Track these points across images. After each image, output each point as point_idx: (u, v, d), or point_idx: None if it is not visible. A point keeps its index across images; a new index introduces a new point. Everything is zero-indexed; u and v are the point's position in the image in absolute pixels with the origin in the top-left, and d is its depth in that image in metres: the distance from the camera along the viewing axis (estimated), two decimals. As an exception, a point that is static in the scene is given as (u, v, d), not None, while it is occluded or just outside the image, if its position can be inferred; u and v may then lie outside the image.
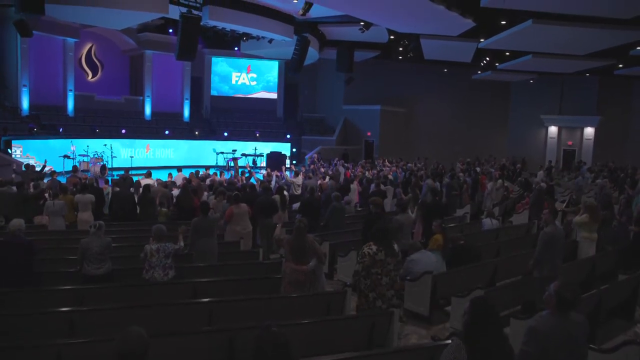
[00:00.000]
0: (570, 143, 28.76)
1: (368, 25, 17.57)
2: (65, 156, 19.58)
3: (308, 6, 15.40)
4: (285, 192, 12.29)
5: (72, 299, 5.63)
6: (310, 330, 4.94)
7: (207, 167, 17.65)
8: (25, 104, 21.80)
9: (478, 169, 19.18)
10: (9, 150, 18.45)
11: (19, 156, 18.59)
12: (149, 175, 13.51)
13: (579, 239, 8.80)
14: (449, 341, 4.51)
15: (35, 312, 4.94)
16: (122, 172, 15.34)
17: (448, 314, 6.76)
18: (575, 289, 3.54)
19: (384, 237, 5.48)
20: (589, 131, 27.85)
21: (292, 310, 5.71)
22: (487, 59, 22.39)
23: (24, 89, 21.70)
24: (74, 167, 15.77)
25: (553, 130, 29.17)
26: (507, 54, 21.17)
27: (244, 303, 5.65)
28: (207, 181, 13.67)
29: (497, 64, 23.63)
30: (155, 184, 12.51)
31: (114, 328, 4.79)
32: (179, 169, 15.81)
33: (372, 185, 14.03)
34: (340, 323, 5.26)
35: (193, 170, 15.43)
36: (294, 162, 24.44)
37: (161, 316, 5.23)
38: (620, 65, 21.53)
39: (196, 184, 12.42)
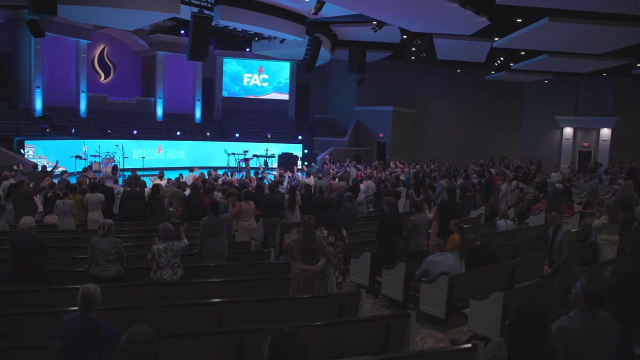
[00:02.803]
0: (585, 144, 28.32)
1: (381, 24, 17.41)
2: (77, 157, 19.64)
3: (320, 5, 15.24)
4: (297, 193, 12.17)
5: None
6: (323, 333, 4.76)
7: (215, 169, 17.56)
8: (38, 105, 21.88)
9: (493, 170, 18.89)
10: (22, 151, 18.53)
11: (32, 156, 18.66)
12: (161, 175, 13.42)
13: (599, 241, 8.54)
14: (469, 345, 4.33)
15: (38, 311, 4.82)
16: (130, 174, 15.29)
17: (465, 317, 6.54)
18: (601, 285, 3.47)
19: (333, 222, 6.46)
20: (605, 132, 27.39)
21: (303, 311, 5.54)
22: (501, 58, 22.08)
23: (37, 90, 21.79)
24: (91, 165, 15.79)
25: (568, 131, 28.76)
26: (522, 53, 20.88)
27: (254, 304, 5.49)
28: (219, 181, 13.63)
29: (511, 64, 23.33)
30: (166, 183, 12.43)
31: (120, 329, 4.70)
32: (191, 169, 15.74)
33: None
34: (355, 325, 5.07)
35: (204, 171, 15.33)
36: (306, 162, 24.29)
37: (169, 317, 5.09)
38: (639, 65, 21.13)
39: (209, 184, 12.38)
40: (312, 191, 12.92)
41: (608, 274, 4.50)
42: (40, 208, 10.82)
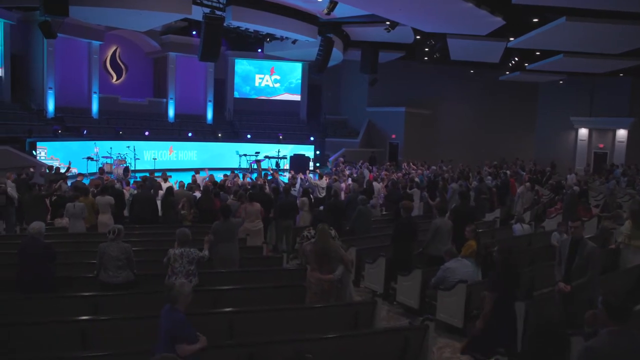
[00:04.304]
0: (601, 146, 27.85)
1: (394, 24, 17.19)
2: (89, 158, 19.63)
3: (333, 5, 15.07)
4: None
5: (86, 306, 5.37)
6: (338, 345, 4.59)
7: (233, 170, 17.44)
8: (50, 106, 21.95)
9: (508, 172, 18.58)
10: (34, 152, 18.56)
11: (44, 158, 18.68)
12: (165, 177, 13.30)
13: (621, 247, 8.25)
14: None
15: (42, 320, 4.68)
16: (144, 175, 15.20)
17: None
18: (621, 294, 3.35)
19: (320, 223, 6.52)
20: (622, 133, 26.89)
21: (318, 321, 5.37)
22: (516, 59, 21.77)
23: (49, 91, 21.86)
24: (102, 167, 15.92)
25: (583, 132, 28.30)
26: (537, 53, 20.55)
27: (266, 314, 5.32)
28: (229, 183, 13.52)
29: (526, 65, 22.98)
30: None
31: (126, 339, 4.57)
32: (197, 171, 15.62)
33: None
34: (371, 337, 4.89)
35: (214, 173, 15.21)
36: (317, 164, 24.13)
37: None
38: (657, 65, 20.70)
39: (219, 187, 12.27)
40: (329, 193, 12.75)
41: (495, 253, 4.49)
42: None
